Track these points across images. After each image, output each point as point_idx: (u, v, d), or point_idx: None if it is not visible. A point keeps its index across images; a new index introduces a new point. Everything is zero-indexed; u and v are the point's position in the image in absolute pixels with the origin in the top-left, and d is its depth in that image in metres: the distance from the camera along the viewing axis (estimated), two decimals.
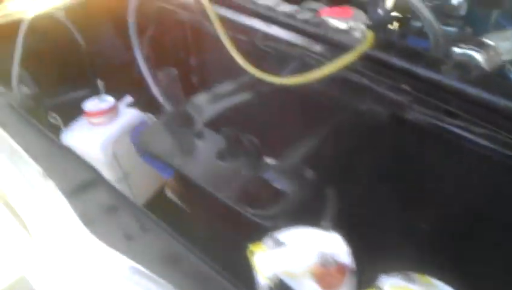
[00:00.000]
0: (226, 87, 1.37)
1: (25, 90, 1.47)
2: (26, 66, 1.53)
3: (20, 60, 1.49)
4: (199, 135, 1.22)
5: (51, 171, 1.09)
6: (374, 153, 1.11)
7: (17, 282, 2.09)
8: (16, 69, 1.48)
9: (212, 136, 1.23)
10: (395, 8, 1.72)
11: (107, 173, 1.50)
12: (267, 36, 1.32)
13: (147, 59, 1.67)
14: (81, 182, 1.10)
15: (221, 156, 1.17)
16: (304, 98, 1.20)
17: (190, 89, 1.73)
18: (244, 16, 1.38)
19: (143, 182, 1.61)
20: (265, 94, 1.27)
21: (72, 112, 1.56)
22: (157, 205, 1.65)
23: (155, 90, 1.48)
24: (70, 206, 1.03)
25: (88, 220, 1.01)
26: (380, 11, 1.73)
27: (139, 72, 1.67)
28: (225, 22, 1.37)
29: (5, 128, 1.24)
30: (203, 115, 1.26)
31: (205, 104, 1.30)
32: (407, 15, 1.70)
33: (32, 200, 1.08)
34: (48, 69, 1.62)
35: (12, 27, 1.52)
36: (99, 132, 1.50)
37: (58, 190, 1.05)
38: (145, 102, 1.68)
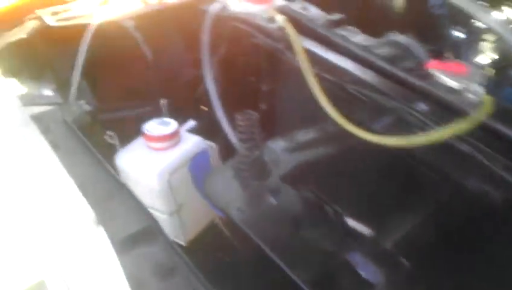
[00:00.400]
0: (307, 134, 1.19)
1: (82, 103, 1.33)
2: (85, 76, 1.39)
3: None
4: (274, 192, 1.05)
5: (103, 213, 0.95)
6: (482, 243, 0.91)
7: (36, 286, 1.99)
8: (76, 78, 1.34)
9: (288, 195, 1.05)
10: (495, 53, 1.52)
11: (160, 204, 1.37)
12: (359, 80, 1.14)
13: (216, 80, 1.53)
14: (135, 232, 0.95)
15: (297, 223, 0.99)
16: (401, 163, 1.01)
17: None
18: (334, 53, 1.20)
19: (196, 215, 1.46)
20: (353, 150, 1.09)
21: (130, 130, 1.42)
22: (206, 235, 1.51)
23: (225, 125, 1.32)
24: (120, 262, 0.88)
25: (137, 284, 0.86)
26: (475, 56, 1.54)
27: (206, 95, 1.53)
28: (311, 55, 1.21)
29: (56, 150, 1.10)
30: (279, 166, 1.09)
31: (283, 153, 1.12)
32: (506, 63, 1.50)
33: (78, 245, 0.93)
34: (108, 82, 1.49)
35: (76, 32, 1.39)
36: (158, 159, 1.35)
37: (108, 241, 0.90)
38: (208, 127, 1.54)
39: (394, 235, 0.95)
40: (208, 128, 1.54)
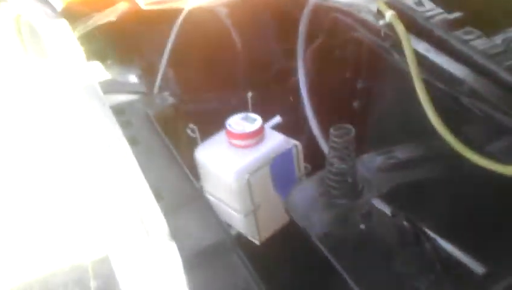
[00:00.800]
0: (408, 150, 1.04)
1: (166, 95, 1.26)
2: (172, 63, 1.33)
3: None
4: (364, 215, 0.92)
5: (175, 222, 0.88)
6: None
7: (101, 260, 2.02)
8: (163, 66, 1.27)
9: (381, 221, 0.92)
10: None
11: (237, 203, 1.28)
12: (479, 95, 0.97)
13: (308, 75, 1.40)
14: (207, 247, 0.88)
15: (388, 254, 0.87)
16: None
17: (347, 114, 1.45)
18: (451, 60, 1.04)
19: (273, 215, 1.34)
20: (465, 175, 0.93)
21: (213, 123, 1.33)
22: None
23: (313, 123, 1.21)
24: (188, 280, 0.80)
25: None
26: None
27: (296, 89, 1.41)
28: (422, 60, 1.06)
29: (135, 146, 1.03)
30: (373, 186, 0.96)
31: (378, 171, 0.99)
32: None
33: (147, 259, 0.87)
34: (195, 71, 1.41)
35: (167, 16, 1.31)
36: (239, 157, 1.26)
37: (179, 257, 0.82)
38: (294, 122, 1.44)
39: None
40: (294, 124, 1.44)
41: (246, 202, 1.28)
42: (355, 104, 1.44)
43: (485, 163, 0.88)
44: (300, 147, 1.33)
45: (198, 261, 0.85)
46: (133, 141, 1.04)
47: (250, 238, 1.35)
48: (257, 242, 1.36)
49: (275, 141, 1.30)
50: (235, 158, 1.26)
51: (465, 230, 0.89)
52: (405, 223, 0.87)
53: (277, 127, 1.37)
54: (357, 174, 0.96)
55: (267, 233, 1.38)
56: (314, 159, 1.34)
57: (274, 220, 1.38)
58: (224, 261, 0.86)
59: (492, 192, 0.90)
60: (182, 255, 0.82)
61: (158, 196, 0.91)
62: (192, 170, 1.21)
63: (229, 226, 1.30)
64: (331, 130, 0.91)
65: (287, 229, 1.29)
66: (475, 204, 0.92)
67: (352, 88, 1.42)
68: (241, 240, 1.27)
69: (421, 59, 1.05)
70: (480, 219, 0.90)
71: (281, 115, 1.38)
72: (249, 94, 1.35)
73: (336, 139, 0.90)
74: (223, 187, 1.28)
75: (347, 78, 1.43)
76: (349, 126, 0.92)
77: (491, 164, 0.87)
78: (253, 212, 1.30)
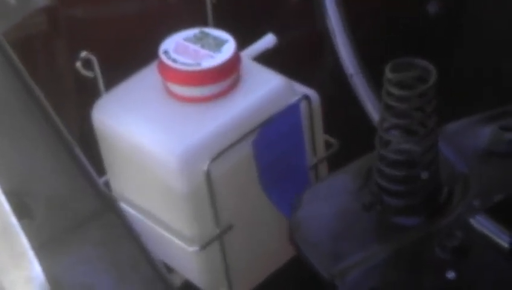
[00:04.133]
0: None
1: None
2: None
3: None
4: (454, 251, 0.97)
5: (63, 266, 0.94)
6: None
7: None
8: None
9: (492, 260, 0.99)
10: None
11: (186, 222, 1.37)
12: None
13: None
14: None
15: None
16: None
17: (412, 35, 1.53)
18: None
19: (257, 248, 1.46)
20: None
21: (129, 51, 1.42)
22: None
23: (347, 56, 1.28)
24: None
25: None
26: None
27: None
28: None
29: None
30: (471, 188, 1.03)
31: (486, 156, 1.06)
32: None
33: None
34: None
35: None
36: (187, 122, 1.34)
37: None
38: (304, 50, 1.49)
39: None
40: (303, 50, 1.51)
41: (202, 220, 1.37)
42: (432, 9, 1.54)
43: None
44: (317, 100, 1.42)
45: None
46: None
47: None
48: None
49: (264, 89, 1.39)
50: (180, 124, 1.34)
51: None
52: None
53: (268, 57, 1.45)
54: (439, 164, 1.02)
55: (246, 284, 1.50)
56: (346, 125, 1.39)
57: (262, 257, 1.50)
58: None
59: None
60: None
61: (23, 212, 0.95)
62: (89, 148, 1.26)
63: (170, 270, 1.34)
64: (387, 70, 0.96)
65: (290, 273, 1.35)
66: None
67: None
68: None
69: None
70: None
71: (275, 31, 1.46)
72: None
73: (397, 92, 0.95)
74: (156, 188, 1.38)
75: None
76: (426, 63, 0.96)
77: None
78: (219, 240, 1.40)
